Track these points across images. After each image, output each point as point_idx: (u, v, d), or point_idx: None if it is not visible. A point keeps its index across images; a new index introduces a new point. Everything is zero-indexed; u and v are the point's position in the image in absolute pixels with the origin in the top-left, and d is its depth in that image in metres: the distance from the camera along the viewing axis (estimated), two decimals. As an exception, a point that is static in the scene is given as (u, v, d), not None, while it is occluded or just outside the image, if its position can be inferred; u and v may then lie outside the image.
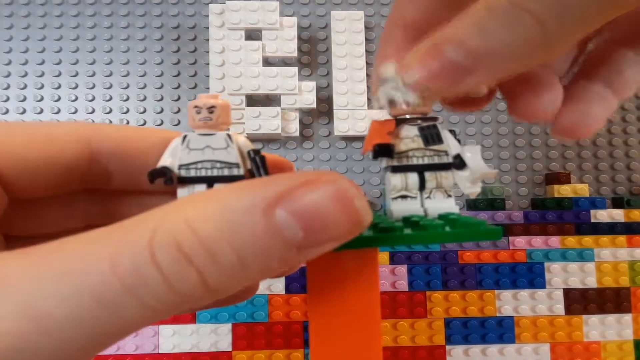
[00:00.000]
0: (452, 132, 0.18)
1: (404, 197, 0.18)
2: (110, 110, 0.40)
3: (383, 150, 0.17)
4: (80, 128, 0.18)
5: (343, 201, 0.12)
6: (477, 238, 0.15)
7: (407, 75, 0.16)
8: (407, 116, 0.18)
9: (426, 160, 0.17)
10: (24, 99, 0.40)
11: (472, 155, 0.17)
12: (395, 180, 0.17)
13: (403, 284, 0.36)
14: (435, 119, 0.18)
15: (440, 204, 0.17)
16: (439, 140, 0.17)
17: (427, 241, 0.15)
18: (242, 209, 0.12)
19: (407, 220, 0.16)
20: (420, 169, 0.17)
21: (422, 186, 0.18)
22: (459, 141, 0.18)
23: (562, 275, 0.37)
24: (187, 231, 0.11)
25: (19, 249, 0.12)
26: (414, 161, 0.17)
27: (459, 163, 0.17)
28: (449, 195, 0.18)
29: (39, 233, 0.18)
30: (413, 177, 0.17)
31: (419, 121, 0.18)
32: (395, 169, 0.17)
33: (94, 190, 0.19)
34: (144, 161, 0.18)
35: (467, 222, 0.15)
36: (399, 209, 0.17)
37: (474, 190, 0.17)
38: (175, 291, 0.11)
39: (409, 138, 0.17)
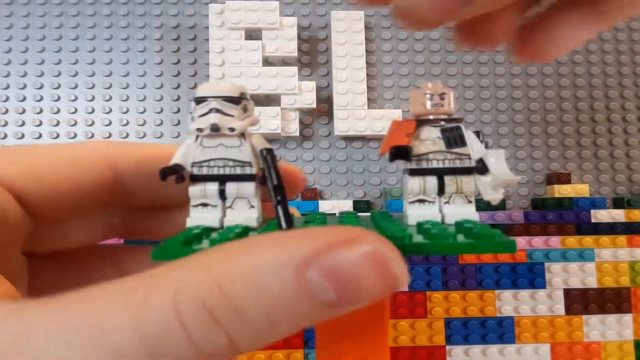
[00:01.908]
0: (477, 133, 0.17)
1: (421, 201, 0.17)
2: (110, 110, 0.40)
3: (400, 153, 0.16)
4: (102, 149, 0.17)
5: (379, 264, 0.11)
6: (490, 251, 0.14)
7: None
8: (430, 117, 0.17)
9: (447, 164, 0.17)
10: (24, 99, 0.40)
11: (496, 160, 0.16)
12: (413, 184, 0.17)
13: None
14: (459, 120, 0.17)
15: (460, 210, 0.17)
16: (462, 142, 0.17)
17: (436, 252, 0.14)
18: (272, 268, 0.11)
19: (420, 227, 0.16)
20: (440, 173, 0.17)
21: (441, 190, 0.17)
22: (485, 143, 0.17)
23: (563, 276, 0.37)
24: (215, 291, 0.11)
25: (43, 296, 0.12)
26: (434, 164, 0.17)
27: (481, 168, 0.17)
28: (470, 201, 0.17)
29: (60, 249, 0.18)
30: (432, 181, 0.17)
31: (442, 122, 0.17)
32: (414, 172, 0.17)
33: (114, 205, 0.19)
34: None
35: (481, 233, 0.14)
36: (416, 213, 0.17)
37: (496, 197, 0.16)
38: (201, 352, 0.11)
39: (430, 140, 0.17)
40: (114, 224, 0.20)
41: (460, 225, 0.16)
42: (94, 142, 0.19)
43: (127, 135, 0.40)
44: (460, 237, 0.14)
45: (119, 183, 0.18)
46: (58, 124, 0.40)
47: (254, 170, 0.17)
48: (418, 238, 0.15)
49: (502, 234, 0.14)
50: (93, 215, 0.19)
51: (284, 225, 0.15)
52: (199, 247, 0.14)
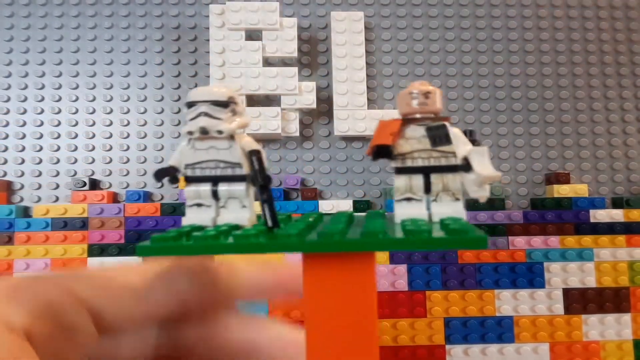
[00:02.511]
0: (470, 132, 0.17)
1: (408, 199, 0.17)
2: (111, 111, 0.40)
3: (381, 151, 0.17)
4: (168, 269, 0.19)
5: None
6: (461, 246, 0.14)
7: None
8: (417, 115, 0.17)
9: (432, 162, 0.17)
10: (25, 99, 0.40)
11: (479, 157, 0.16)
12: (399, 182, 0.17)
13: (403, 284, 0.37)
14: (445, 118, 0.17)
15: (447, 208, 0.17)
16: (447, 141, 0.17)
17: (409, 247, 0.14)
18: None
19: (402, 224, 0.16)
20: (425, 171, 0.17)
21: (427, 189, 0.17)
22: (475, 142, 0.17)
23: (562, 275, 0.37)
24: None
25: None
26: (419, 163, 0.17)
27: (465, 165, 0.17)
28: (457, 199, 0.17)
29: None
30: (418, 179, 0.17)
31: (428, 121, 0.17)
32: (399, 171, 0.17)
33: (168, 321, 0.20)
34: (234, 296, 0.19)
35: (455, 228, 0.14)
36: (403, 212, 0.17)
37: (481, 194, 0.17)
38: None
39: (415, 139, 0.17)
40: (163, 341, 0.20)
41: (441, 223, 0.16)
42: (157, 262, 0.20)
43: (128, 135, 0.40)
44: (438, 233, 0.15)
45: (180, 301, 0.19)
46: (59, 124, 0.40)
47: (244, 171, 0.17)
48: (398, 234, 0.15)
49: (476, 229, 0.14)
50: (148, 331, 0.20)
51: (269, 223, 0.16)
52: (181, 243, 0.14)
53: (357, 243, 0.14)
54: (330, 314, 0.15)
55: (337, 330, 0.15)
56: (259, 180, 0.16)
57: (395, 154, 0.17)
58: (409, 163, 0.17)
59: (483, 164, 0.16)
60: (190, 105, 0.17)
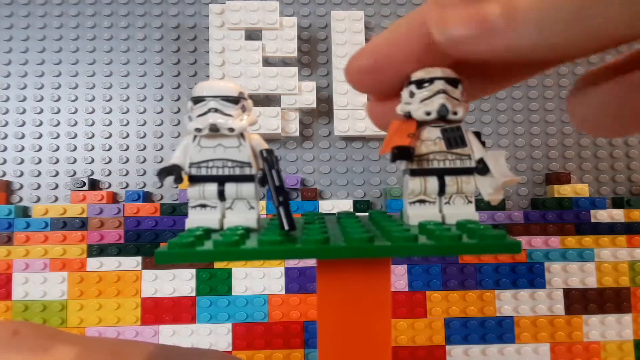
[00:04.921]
0: (477, 133, 0.17)
1: (422, 201, 0.17)
2: (110, 111, 0.40)
3: (403, 153, 0.16)
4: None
5: None
6: (496, 251, 0.14)
7: (442, 30, 0.13)
8: None
9: (447, 164, 0.17)
10: (24, 99, 0.40)
11: (496, 160, 0.16)
12: (414, 184, 0.17)
13: (402, 284, 0.36)
14: (459, 120, 0.17)
15: (460, 210, 0.17)
16: (462, 143, 0.17)
17: (443, 253, 0.14)
18: None
19: (423, 228, 0.16)
20: (440, 173, 0.17)
21: (441, 191, 0.17)
22: (483, 143, 0.17)
23: (562, 275, 0.37)
24: None
25: None
26: (435, 165, 0.17)
27: (482, 168, 0.17)
28: (470, 201, 0.17)
29: None
30: (433, 182, 0.17)
31: (442, 122, 0.17)
32: (415, 172, 0.17)
33: None
34: None
35: (484, 233, 0.14)
36: (417, 213, 0.17)
37: (496, 197, 0.16)
38: None
39: (431, 140, 0.17)
40: None
41: (462, 226, 0.16)
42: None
43: (128, 135, 0.40)
44: (465, 238, 0.14)
45: None
46: (58, 124, 0.40)
47: (253, 171, 0.17)
48: (422, 239, 0.15)
49: (506, 234, 0.14)
50: None
51: (286, 226, 0.15)
52: (202, 249, 0.14)
53: (390, 249, 0.14)
54: (345, 317, 0.15)
55: (350, 333, 0.15)
56: (275, 181, 0.16)
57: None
58: (425, 165, 0.17)
59: (501, 167, 0.16)
60: (198, 100, 0.16)
